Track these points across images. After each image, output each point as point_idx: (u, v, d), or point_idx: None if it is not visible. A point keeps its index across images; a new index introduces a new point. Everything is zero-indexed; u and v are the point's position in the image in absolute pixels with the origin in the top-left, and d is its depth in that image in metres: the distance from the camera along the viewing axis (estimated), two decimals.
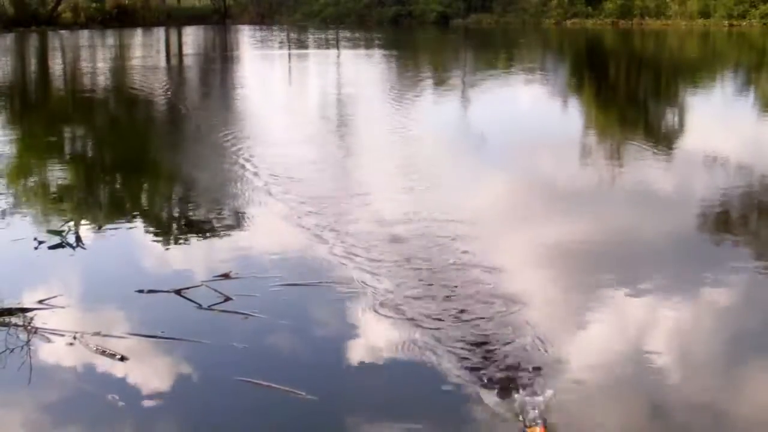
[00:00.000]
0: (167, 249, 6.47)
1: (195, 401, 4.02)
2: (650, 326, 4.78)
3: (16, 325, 4.69)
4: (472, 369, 4.14)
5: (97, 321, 4.82)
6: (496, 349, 4.36)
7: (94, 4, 49.61)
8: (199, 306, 5.05)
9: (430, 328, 4.64)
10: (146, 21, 50.39)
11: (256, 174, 8.76)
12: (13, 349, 4.42)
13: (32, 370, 4.20)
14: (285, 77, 22.29)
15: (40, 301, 5.06)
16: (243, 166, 9.20)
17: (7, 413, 3.87)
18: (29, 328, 4.65)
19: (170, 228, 7.17)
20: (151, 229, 7.05)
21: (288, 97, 18.10)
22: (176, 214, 7.65)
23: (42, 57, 29.96)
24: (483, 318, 4.77)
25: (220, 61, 28.03)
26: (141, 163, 10.34)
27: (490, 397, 3.85)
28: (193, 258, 6.15)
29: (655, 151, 10.70)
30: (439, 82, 19.88)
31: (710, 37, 38.43)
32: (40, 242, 6.37)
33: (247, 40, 39.69)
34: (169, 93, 17.65)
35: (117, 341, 4.51)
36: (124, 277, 5.73)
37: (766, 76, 21.93)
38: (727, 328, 4.84)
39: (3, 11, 45.56)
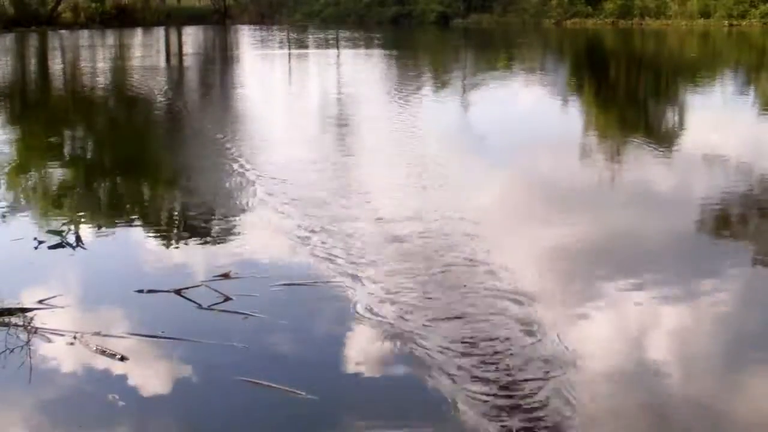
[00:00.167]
0: (167, 249, 6.47)
1: (195, 401, 4.02)
2: (661, 327, 4.78)
3: (16, 325, 4.68)
4: (474, 368, 4.14)
5: (97, 321, 4.82)
6: (495, 348, 4.36)
7: (94, 4, 49.62)
8: (199, 306, 5.05)
9: (431, 328, 4.65)
10: (146, 21, 50.41)
11: (256, 174, 8.76)
12: (13, 349, 4.42)
13: (32, 370, 4.20)
14: (285, 77, 22.29)
15: (40, 301, 5.06)
16: (244, 167, 9.20)
17: (7, 413, 3.87)
18: (29, 328, 4.64)
19: (170, 228, 7.17)
20: (151, 229, 7.05)
21: (288, 97, 18.10)
22: (176, 215, 7.65)
23: (42, 57, 29.96)
24: (487, 320, 4.77)
25: (220, 61, 28.04)
26: (141, 163, 10.34)
27: (492, 397, 3.85)
28: (193, 258, 6.15)
29: (659, 150, 10.71)
30: (440, 83, 19.89)
31: (710, 37, 38.44)
32: (40, 242, 6.37)
33: (247, 40, 39.70)
34: (168, 93, 17.65)
35: (117, 341, 4.51)
36: (124, 277, 5.73)
37: (766, 75, 21.93)
38: (727, 328, 4.84)
39: (3, 11, 45.56)
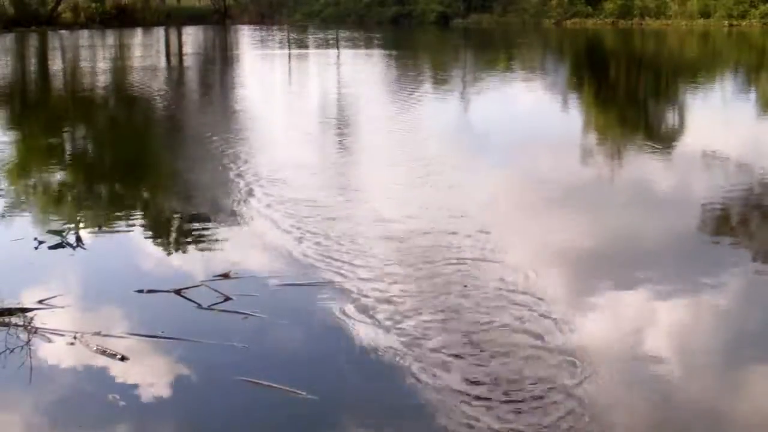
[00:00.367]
0: (167, 249, 6.47)
1: (195, 401, 4.02)
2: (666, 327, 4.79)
3: (16, 325, 4.69)
4: (475, 367, 4.15)
5: (97, 321, 4.82)
6: (495, 348, 4.37)
7: (94, 4, 49.62)
8: (199, 306, 5.05)
9: (432, 327, 4.65)
10: (146, 21, 50.40)
11: (257, 174, 8.76)
12: (13, 349, 4.42)
13: (32, 370, 4.20)
14: (285, 77, 22.29)
15: (40, 301, 5.06)
16: (244, 167, 9.21)
17: (8, 413, 3.87)
18: (29, 328, 4.64)
19: (170, 228, 7.17)
20: (151, 229, 7.05)
21: (288, 97, 18.09)
22: (176, 215, 7.65)
23: (42, 57, 29.96)
24: (485, 317, 4.78)
25: (220, 61, 28.04)
26: (140, 164, 10.34)
27: (491, 396, 3.86)
28: (193, 258, 6.15)
29: (661, 150, 10.71)
30: (440, 83, 19.88)
31: (710, 37, 38.44)
32: (41, 242, 6.37)
33: (247, 40, 39.70)
34: (168, 93, 17.65)
35: (117, 341, 4.52)
36: (124, 277, 5.73)
37: (766, 75, 21.93)
38: (728, 327, 4.85)
39: (3, 11, 45.56)
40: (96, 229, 6.94)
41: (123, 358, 4.32)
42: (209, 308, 5.01)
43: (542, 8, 51.92)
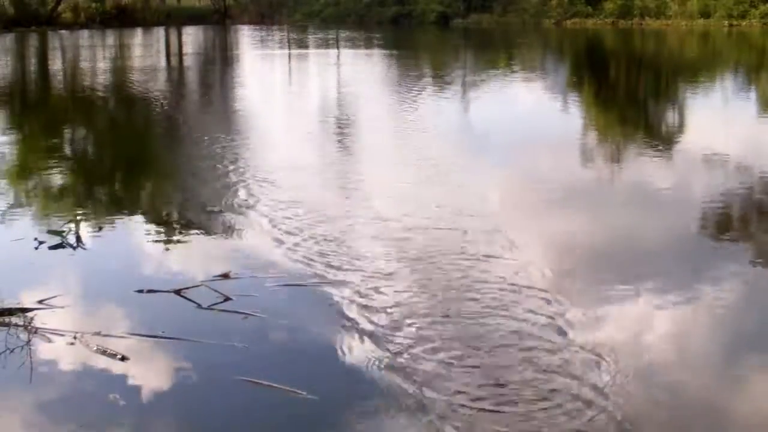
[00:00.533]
0: (167, 249, 6.47)
1: (195, 401, 4.02)
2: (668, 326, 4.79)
3: (16, 325, 4.69)
4: (477, 367, 4.15)
5: (97, 321, 4.82)
6: (493, 343, 4.38)
7: (94, 4, 49.62)
8: (199, 306, 5.05)
9: (432, 328, 4.65)
10: (146, 21, 50.40)
11: (257, 175, 8.77)
12: (13, 349, 4.42)
13: (32, 370, 4.20)
14: (285, 77, 22.29)
15: (40, 301, 5.06)
16: (244, 168, 9.21)
17: (8, 413, 3.87)
18: (29, 328, 4.64)
19: (170, 228, 7.17)
20: (151, 229, 7.05)
21: (288, 97, 18.09)
22: (176, 215, 7.66)
23: (42, 57, 29.96)
24: (485, 317, 4.79)
25: (220, 61, 28.04)
26: (141, 164, 10.35)
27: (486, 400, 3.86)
28: (193, 258, 6.15)
29: (663, 150, 10.72)
30: (440, 82, 19.88)
31: (710, 37, 38.44)
32: (41, 242, 6.37)
33: (247, 40, 39.70)
34: (168, 93, 17.66)
35: (117, 341, 4.52)
36: (124, 277, 5.73)
37: (766, 76, 21.94)
38: (730, 327, 4.86)
39: (3, 11, 45.55)
40: (96, 229, 6.94)
41: (123, 358, 4.32)
42: (209, 308, 5.01)
43: (542, 8, 51.93)
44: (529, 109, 15.52)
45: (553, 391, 3.91)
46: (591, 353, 4.31)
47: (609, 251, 6.32)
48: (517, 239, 6.28)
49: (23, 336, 4.56)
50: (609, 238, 6.70)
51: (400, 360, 4.27)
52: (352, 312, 4.89)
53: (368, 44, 35.60)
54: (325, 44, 35.81)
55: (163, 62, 26.72)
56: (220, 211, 7.33)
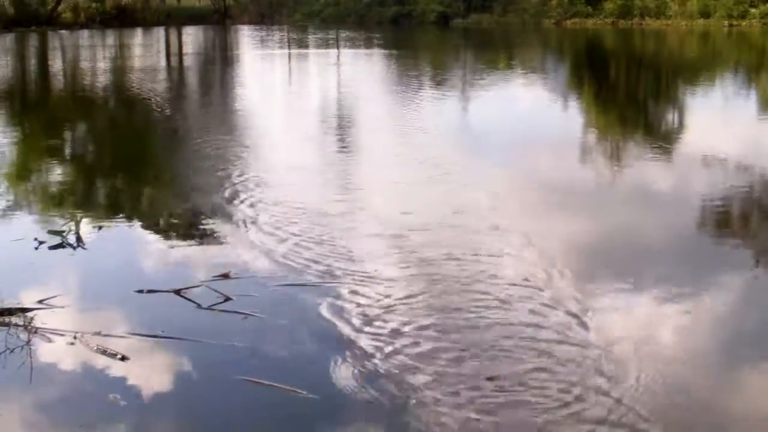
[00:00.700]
0: (167, 249, 6.47)
1: (196, 400, 4.03)
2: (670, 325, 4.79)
3: (16, 325, 4.69)
4: (479, 365, 4.15)
5: (97, 321, 4.82)
6: (492, 342, 4.38)
7: (94, 4, 49.62)
8: (199, 306, 5.05)
9: (433, 326, 4.66)
10: (146, 21, 50.39)
11: (257, 174, 8.77)
12: (13, 349, 4.42)
13: (32, 370, 4.20)
14: (285, 77, 22.29)
15: (40, 301, 5.06)
16: (245, 168, 9.21)
17: (8, 413, 3.87)
18: (29, 328, 4.64)
19: (170, 228, 7.17)
20: (151, 229, 7.05)
21: (288, 97, 18.09)
22: (176, 215, 7.65)
23: (42, 57, 29.95)
24: (482, 314, 4.79)
25: (220, 61, 28.04)
26: (141, 164, 10.34)
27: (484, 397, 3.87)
28: (193, 258, 6.15)
29: (664, 150, 10.73)
30: (440, 82, 19.88)
31: (710, 37, 38.44)
32: (41, 242, 6.37)
33: (247, 40, 39.70)
34: (168, 93, 17.65)
35: (117, 341, 4.52)
36: (124, 277, 5.73)
37: (766, 76, 21.94)
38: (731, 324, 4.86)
39: (3, 11, 45.55)
40: (96, 229, 6.94)
41: (123, 358, 4.32)
42: (209, 308, 5.01)
43: (542, 8, 51.92)
44: (529, 109, 15.51)
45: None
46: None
47: (619, 249, 6.32)
48: (527, 238, 6.30)
49: (23, 336, 4.56)
50: (617, 237, 6.71)
51: (400, 360, 4.27)
52: (353, 312, 4.88)
53: (368, 44, 35.60)
54: (325, 44, 35.81)
55: (163, 62, 26.72)
56: (221, 211, 7.33)
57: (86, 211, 7.59)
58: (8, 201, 7.97)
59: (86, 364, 4.29)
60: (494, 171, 9.30)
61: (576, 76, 22.45)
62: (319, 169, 9.22)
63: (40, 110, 15.90)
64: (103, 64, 25.90)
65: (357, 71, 23.14)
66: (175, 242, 6.67)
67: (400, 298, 5.10)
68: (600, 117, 14.89)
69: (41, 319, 4.78)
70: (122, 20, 49.00)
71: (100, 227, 7.00)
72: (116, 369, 4.23)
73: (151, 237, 6.80)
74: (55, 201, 8.10)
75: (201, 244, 6.52)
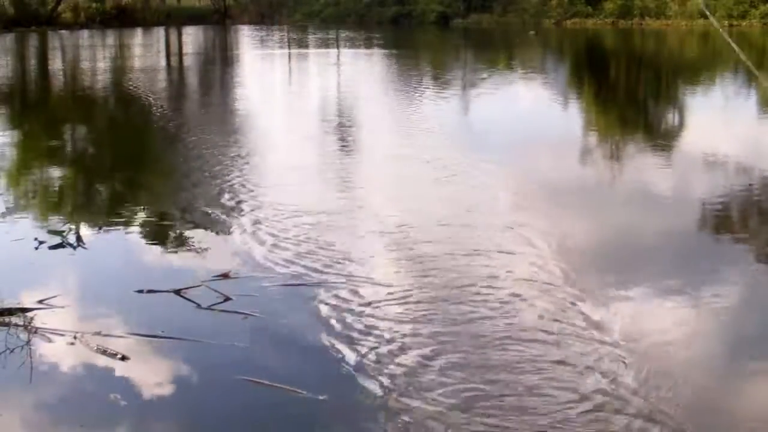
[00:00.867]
0: (167, 249, 6.48)
1: (196, 400, 4.03)
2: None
3: (16, 325, 4.69)
4: (481, 365, 4.16)
5: (97, 321, 4.82)
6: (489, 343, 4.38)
7: (94, 4, 49.59)
8: (199, 306, 5.05)
9: (434, 326, 4.66)
10: (146, 21, 50.34)
11: (257, 174, 8.77)
12: (13, 349, 4.42)
13: (32, 370, 4.20)
14: (285, 77, 22.28)
15: (40, 301, 5.06)
16: (245, 168, 9.21)
17: (8, 413, 3.87)
18: (29, 328, 4.64)
19: (170, 228, 7.17)
20: (151, 229, 7.05)
21: (288, 96, 18.09)
22: (176, 215, 7.64)
23: (42, 57, 29.95)
24: (479, 311, 4.80)
25: (220, 61, 28.04)
26: (142, 165, 10.34)
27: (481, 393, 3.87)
28: (193, 258, 6.15)
29: (664, 150, 10.74)
30: (442, 82, 19.87)
31: (710, 37, 38.43)
32: (41, 242, 6.37)
33: (247, 40, 39.69)
34: (168, 93, 17.65)
35: (117, 341, 4.52)
36: (124, 277, 5.73)
37: (765, 75, 21.93)
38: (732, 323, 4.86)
39: (3, 11, 45.52)
40: (96, 229, 6.94)
41: (123, 358, 4.32)
42: (209, 308, 5.01)
43: (542, 8, 51.88)
44: (531, 109, 15.49)
45: None
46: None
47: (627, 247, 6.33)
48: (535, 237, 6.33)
49: (23, 336, 4.56)
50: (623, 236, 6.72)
51: (400, 359, 4.27)
52: (353, 311, 4.89)
53: (368, 44, 35.58)
54: (325, 44, 35.81)
55: (163, 62, 26.72)
56: (221, 212, 7.33)
57: (86, 211, 7.59)
58: (8, 201, 7.97)
59: (86, 364, 4.29)
60: (501, 171, 9.27)
61: (576, 76, 22.44)
62: (320, 168, 9.21)
63: (40, 110, 15.90)
64: (103, 64, 25.89)
65: (357, 71, 23.14)
66: (175, 242, 6.67)
67: (400, 298, 5.10)
68: (600, 117, 14.89)
69: (41, 319, 4.78)
70: (122, 20, 48.96)
71: (100, 227, 7.00)
72: (116, 369, 4.23)
73: (151, 237, 6.80)
74: (55, 201, 8.10)
75: (201, 244, 6.51)
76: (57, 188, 8.69)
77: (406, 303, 5.03)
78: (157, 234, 6.89)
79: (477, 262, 5.81)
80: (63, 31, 43.73)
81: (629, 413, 3.74)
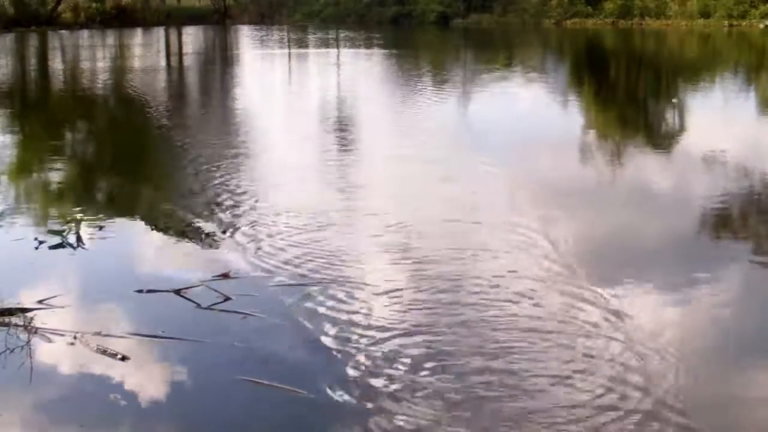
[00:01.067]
0: (166, 249, 6.47)
1: (196, 400, 4.02)
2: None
3: (16, 325, 4.69)
4: (482, 366, 4.16)
5: (97, 321, 4.82)
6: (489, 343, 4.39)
7: (94, 4, 49.60)
8: (199, 306, 5.05)
9: (433, 325, 4.66)
10: (146, 21, 50.36)
11: (257, 174, 8.77)
12: (13, 349, 4.42)
13: (32, 370, 4.20)
14: (285, 77, 22.29)
15: (40, 301, 5.06)
16: (245, 168, 9.21)
17: (8, 413, 3.87)
18: (29, 328, 4.64)
19: (170, 228, 7.16)
20: (151, 229, 7.05)
21: (288, 96, 18.09)
22: (176, 215, 7.64)
23: (42, 57, 29.95)
24: (478, 310, 4.80)
25: (220, 61, 28.04)
26: (142, 165, 10.35)
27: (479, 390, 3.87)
28: (193, 258, 6.15)
29: (664, 150, 10.74)
30: (440, 82, 19.88)
31: (710, 37, 38.44)
32: (41, 242, 6.37)
33: (247, 40, 39.70)
34: (169, 94, 17.65)
35: (117, 341, 4.52)
36: (124, 277, 5.73)
37: (765, 76, 21.94)
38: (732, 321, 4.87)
39: (3, 11, 45.53)
40: (96, 229, 6.94)
41: (123, 358, 4.32)
42: (209, 308, 5.01)
43: (542, 8, 51.89)
44: (532, 110, 15.49)
45: None
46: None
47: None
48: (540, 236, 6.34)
49: (23, 336, 4.56)
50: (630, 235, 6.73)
51: (401, 359, 4.27)
52: (353, 311, 4.89)
53: (368, 44, 35.59)
54: (325, 44, 35.81)
55: (163, 62, 26.72)
56: (221, 212, 7.33)
57: (86, 211, 7.59)
58: (8, 200, 7.97)
59: (86, 364, 4.29)
60: (502, 171, 9.27)
61: (576, 76, 22.44)
62: (320, 168, 9.21)
63: (40, 110, 15.90)
64: (103, 64, 25.89)
65: (357, 71, 23.14)
66: (174, 242, 6.67)
67: (401, 298, 5.10)
68: (600, 117, 14.89)
69: (41, 319, 4.78)
70: (122, 20, 48.97)
71: (100, 227, 7.00)
72: (116, 369, 4.23)
73: (151, 237, 6.80)
74: (55, 201, 8.10)
75: (201, 243, 6.51)
76: (57, 188, 8.69)
77: (406, 303, 5.03)
78: (156, 234, 6.89)
79: (479, 261, 5.81)
80: (63, 31, 43.74)
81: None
